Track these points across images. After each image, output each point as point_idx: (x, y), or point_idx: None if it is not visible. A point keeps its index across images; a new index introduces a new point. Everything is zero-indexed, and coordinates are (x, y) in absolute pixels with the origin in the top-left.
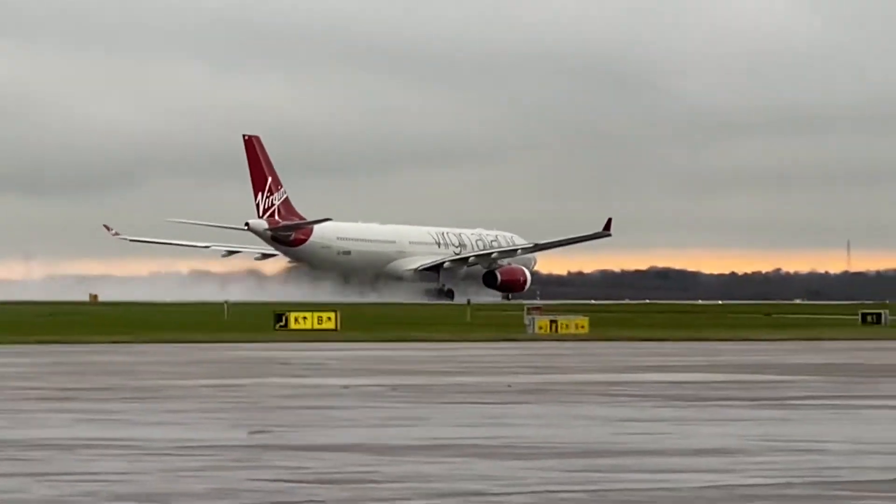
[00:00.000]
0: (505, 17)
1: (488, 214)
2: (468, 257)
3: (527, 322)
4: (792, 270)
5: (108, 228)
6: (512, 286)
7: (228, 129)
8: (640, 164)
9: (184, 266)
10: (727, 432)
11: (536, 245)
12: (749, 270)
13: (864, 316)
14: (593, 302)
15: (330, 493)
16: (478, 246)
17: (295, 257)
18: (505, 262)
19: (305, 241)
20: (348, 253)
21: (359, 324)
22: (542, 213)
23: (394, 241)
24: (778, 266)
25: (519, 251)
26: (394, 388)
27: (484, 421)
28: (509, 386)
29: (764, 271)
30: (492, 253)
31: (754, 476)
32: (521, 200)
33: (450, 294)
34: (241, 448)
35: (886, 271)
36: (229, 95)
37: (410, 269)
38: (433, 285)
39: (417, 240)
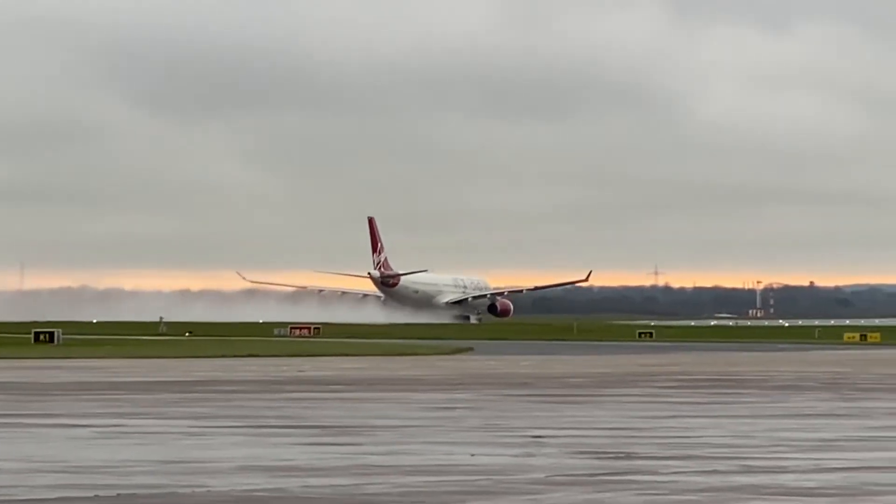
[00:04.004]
0: None
1: None
2: (485, 294)
3: None
4: None
5: (239, 273)
6: (505, 313)
7: None
8: None
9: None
10: None
11: (536, 287)
12: None
13: (37, 335)
14: None
15: None
16: (471, 286)
17: (390, 295)
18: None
19: (398, 284)
20: (417, 292)
21: None
22: None
23: (436, 284)
24: None
25: (524, 291)
26: None
27: None
28: None
29: None
30: (503, 291)
31: None
32: None
33: (467, 318)
34: None
35: (60, 288)
36: None
37: (444, 302)
38: (458, 312)
39: (447, 283)
